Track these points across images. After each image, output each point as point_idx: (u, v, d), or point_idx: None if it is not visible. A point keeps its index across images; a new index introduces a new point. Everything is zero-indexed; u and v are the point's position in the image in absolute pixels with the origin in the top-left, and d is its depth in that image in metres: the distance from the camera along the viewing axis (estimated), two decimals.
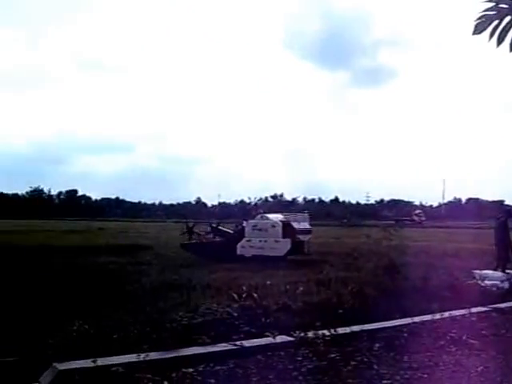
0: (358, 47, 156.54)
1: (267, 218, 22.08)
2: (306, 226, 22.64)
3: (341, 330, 7.19)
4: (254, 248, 21.16)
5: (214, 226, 24.31)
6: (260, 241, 21.17)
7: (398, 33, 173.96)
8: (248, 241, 21.41)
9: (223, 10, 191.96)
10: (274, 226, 21.14)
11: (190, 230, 24.08)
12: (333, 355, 6.29)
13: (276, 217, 22.62)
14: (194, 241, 23.37)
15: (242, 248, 21.35)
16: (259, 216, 22.88)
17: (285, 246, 20.65)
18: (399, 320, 8.23)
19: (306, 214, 24.07)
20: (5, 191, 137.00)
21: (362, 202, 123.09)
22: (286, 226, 21.12)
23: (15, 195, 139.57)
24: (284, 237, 20.82)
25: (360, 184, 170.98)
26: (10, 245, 26.26)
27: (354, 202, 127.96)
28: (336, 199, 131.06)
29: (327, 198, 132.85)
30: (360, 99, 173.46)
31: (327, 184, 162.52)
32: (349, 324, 7.59)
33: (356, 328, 7.54)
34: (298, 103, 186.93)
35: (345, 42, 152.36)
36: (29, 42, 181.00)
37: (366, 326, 7.77)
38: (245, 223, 22.58)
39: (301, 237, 21.53)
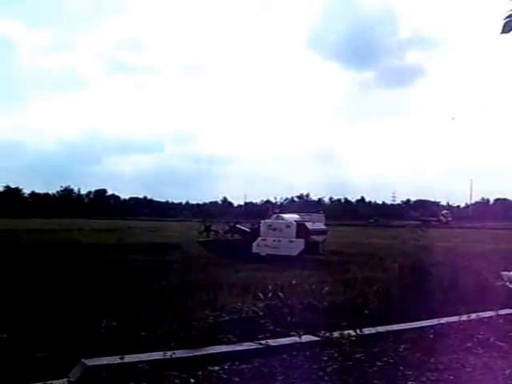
0: (384, 46, 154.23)
1: (282, 218, 22.39)
2: (320, 226, 22.76)
3: (366, 331, 7.16)
4: (268, 247, 21.41)
5: (232, 224, 24.60)
6: (274, 240, 21.39)
7: (425, 31, 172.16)
8: (263, 240, 21.65)
9: (247, 11, 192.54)
10: (288, 226, 21.42)
11: (207, 229, 24.37)
12: (358, 355, 6.28)
13: (291, 217, 22.89)
14: (210, 239, 23.62)
15: (257, 247, 21.59)
16: (274, 216, 23.19)
17: (298, 245, 20.81)
18: (425, 321, 8.15)
19: (322, 215, 24.44)
20: (37, 190, 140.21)
21: (388, 202, 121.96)
22: (300, 226, 21.28)
23: (46, 194, 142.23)
24: (298, 237, 21.09)
25: (386, 184, 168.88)
26: (42, 243, 26.90)
27: (379, 202, 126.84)
28: (362, 199, 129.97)
29: (353, 198, 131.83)
30: (386, 99, 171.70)
31: (353, 184, 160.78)
32: (374, 324, 7.55)
33: (382, 329, 7.50)
34: (324, 103, 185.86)
35: (370, 41, 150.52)
36: (61, 44, 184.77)
37: (391, 326, 7.72)
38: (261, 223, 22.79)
39: (315, 237, 21.64)
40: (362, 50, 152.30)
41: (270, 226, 22.04)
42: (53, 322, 8.00)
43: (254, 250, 21.49)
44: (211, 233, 24.25)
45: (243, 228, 24.27)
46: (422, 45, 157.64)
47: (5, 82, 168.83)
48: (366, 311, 8.40)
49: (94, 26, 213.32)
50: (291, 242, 21.01)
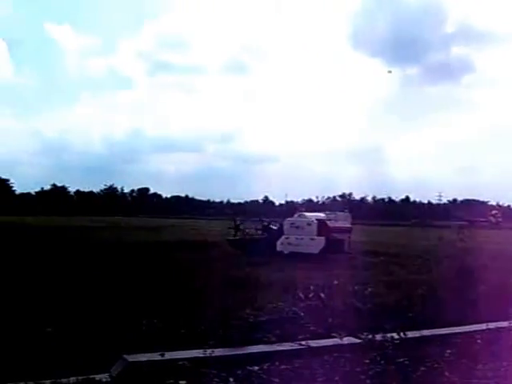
0: (430, 41, 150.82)
1: (304, 217, 22.68)
2: (345, 224, 22.77)
3: (410, 334, 6.95)
4: (291, 245, 21.71)
5: (266, 224, 24.87)
6: (297, 238, 21.68)
7: (472, 25, 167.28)
8: (286, 238, 21.94)
9: (290, 9, 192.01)
10: (309, 224, 21.68)
11: (235, 227, 24.87)
12: (401, 359, 6.08)
13: (314, 215, 23.04)
14: (237, 237, 24.07)
15: (281, 245, 21.95)
16: (297, 214, 23.46)
17: (319, 243, 21.07)
18: (473, 326, 7.87)
19: (347, 213, 24.34)
20: (81, 189, 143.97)
21: (434, 201, 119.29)
22: (321, 224, 21.54)
23: (91, 193, 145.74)
24: (319, 234, 21.27)
25: (432, 183, 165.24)
26: (87, 241, 27.56)
27: (425, 201, 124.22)
28: (406, 199, 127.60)
29: (397, 197, 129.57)
30: (432, 95, 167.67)
31: (398, 183, 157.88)
32: (419, 328, 7.34)
33: (427, 332, 7.29)
34: (368, 101, 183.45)
35: (415, 36, 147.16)
36: (106, 47, 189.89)
37: (437, 330, 7.50)
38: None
39: (337, 235, 21.71)
40: (407, 45, 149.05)
41: (292, 224, 22.39)
42: (97, 318, 8.14)
43: (278, 248, 21.80)
44: (239, 231, 24.74)
45: (269, 226, 24.52)
46: (470, 39, 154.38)
47: (53, 84, 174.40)
48: (411, 314, 8.18)
49: (138, 27, 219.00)
50: (312, 239, 21.35)
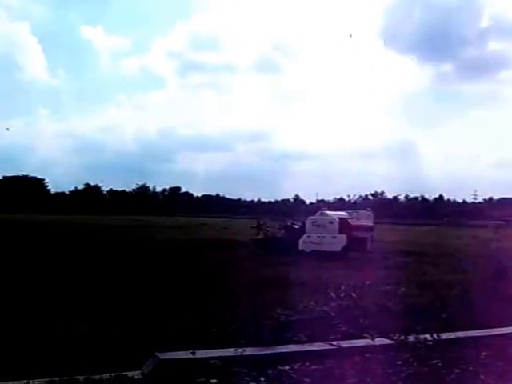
0: (464, 37, 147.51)
1: (326, 215, 22.81)
2: (367, 223, 22.70)
3: (444, 336, 6.83)
4: (313, 243, 21.69)
5: (288, 223, 24.99)
6: (318, 236, 21.69)
7: (508, 20, 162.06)
8: (308, 236, 21.97)
9: (322, 7, 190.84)
10: (331, 222, 21.73)
11: (257, 226, 24.98)
12: (435, 361, 5.98)
13: (336, 213, 23.08)
14: (260, 237, 24.10)
15: (303, 243, 21.96)
16: (319, 212, 23.53)
17: (341, 241, 21.10)
18: (510, 328, 7.68)
19: (370, 212, 24.10)
20: (114, 188, 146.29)
21: (469, 200, 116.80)
22: (343, 221, 21.60)
23: (123, 192, 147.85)
24: (340, 232, 21.28)
25: (467, 181, 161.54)
26: (122, 240, 28.04)
27: (459, 200, 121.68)
28: (440, 197, 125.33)
29: (431, 196, 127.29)
30: (467, 92, 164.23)
31: (431, 181, 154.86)
32: (453, 329, 7.20)
33: (461, 334, 7.14)
34: (400, 97, 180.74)
35: (448, 31, 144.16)
36: (138, 47, 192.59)
37: (472, 332, 7.34)
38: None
39: (359, 233, 21.65)
40: (440, 41, 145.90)
41: (314, 222, 22.44)
42: (130, 315, 8.26)
43: (300, 247, 21.85)
44: (261, 231, 24.79)
45: (291, 225, 24.56)
46: (506, 34, 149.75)
47: (87, 85, 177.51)
48: (444, 315, 8.03)
49: (169, 27, 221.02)
50: (334, 237, 21.36)
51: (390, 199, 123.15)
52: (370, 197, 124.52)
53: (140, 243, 25.60)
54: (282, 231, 24.42)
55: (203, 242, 26.99)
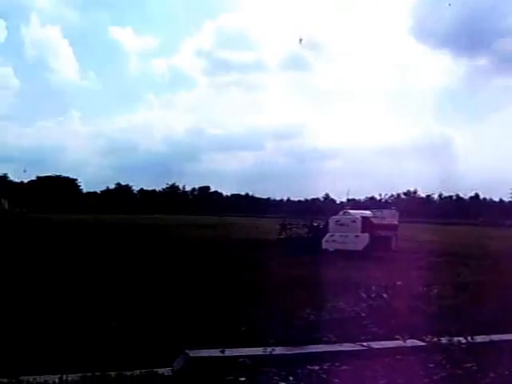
0: (500, 30, 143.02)
1: (349, 214, 22.97)
2: (391, 222, 22.67)
3: (479, 339, 6.67)
4: (336, 242, 21.82)
5: (313, 222, 25.14)
6: (341, 235, 21.84)
7: None
8: (331, 235, 22.17)
9: (351, 3, 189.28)
10: (353, 221, 21.83)
11: (282, 226, 25.28)
12: (469, 365, 5.83)
13: (359, 212, 23.24)
14: (283, 236, 24.46)
15: (326, 242, 22.11)
16: (342, 212, 23.74)
17: (363, 240, 21.15)
18: None
19: (394, 211, 24.24)
20: (145, 187, 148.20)
21: (507, 199, 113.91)
22: (365, 220, 21.66)
23: (153, 191, 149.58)
24: (363, 231, 21.35)
25: (504, 179, 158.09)
26: (153, 238, 28.40)
27: (496, 199, 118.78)
28: (476, 196, 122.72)
29: (466, 194, 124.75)
30: (503, 86, 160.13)
31: (466, 180, 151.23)
32: (488, 332, 7.02)
33: (496, 337, 6.95)
34: (433, 93, 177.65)
35: (484, 25, 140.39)
36: (167, 47, 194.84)
37: (508, 335, 7.14)
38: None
39: (382, 232, 21.62)
40: (475, 35, 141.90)
41: (337, 221, 22.55)
42: (161, 312, 8.33)
43: (324, 246, 21.93)
44: (285, 230, 25.04)
45: (316, 225, 24.71)
46: None
47: (117, 85, 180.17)
48: (479, 317, 7.85)
49: (197, 27, 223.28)
50: (357, 236, 21.41)
51: (423, 198, 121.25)
52: (403, 195, 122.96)
53: (169, 242, 25.88)
54: (306, 230, 24.44)
55: (232, 241, 27.09)
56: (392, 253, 21.06)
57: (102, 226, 42.60)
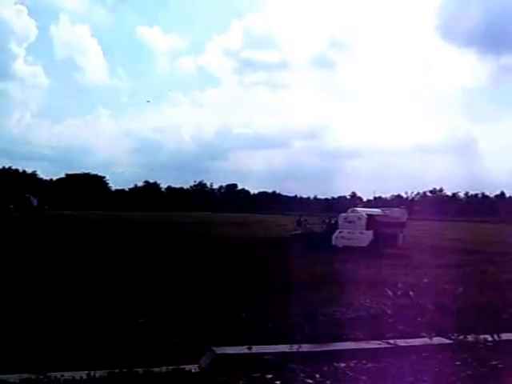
0: None
1: (356, 211, 23.96)
2: (398, 220, 23.42)
3: (505, 337, 6.61)
4: (344, 239, 22.95)
5: (327, 220, 26.15)
6: (349, 232, 22.88)
7: None
8: (340, 232, 23.28)
9: (377, 2, 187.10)
10: (359, 219, 22.89)
11: (298, 223, 26.87)
12: (495, 362, 5.79)
13: (365, 210, 24.36)
14: (298, 232, 25.58)
15: (336, 239, 23.09)
16: (350, 209, 24.77)
17: (368, 236, 22.01)
18: None
19: (403, 210, 25.20)
20: (172, 185, 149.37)
21: None
22: (370, 218, 22.53)
23: (181, 189, 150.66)
24: (368, 228, 22.15)
25: None
26: (179, 235, 28.69)
27: None
28: (502, 194, 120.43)
29: (492, 193, 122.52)
30: None
31: (492, 178, 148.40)
32: None
33: None
34: (459, 92, 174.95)
35: (508, 23, 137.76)
36: (194, 47, 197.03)
37: None
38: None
39: (387, 229, 22.32)
40: (501, 33, 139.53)
41: (345, 219, 23.59)
42: (188, 310, 8.46)
43: (334, 242, 22.99)
44: (301, 226, 26.47)
45: (329, 221, 25.68)
46: None
47: (145, 84, 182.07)
48: (505, 315, 7.76)
49: (225, 27, 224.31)
50: (362, 233, 22.34)
51: (449, 196, 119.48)
52: (429, 194, 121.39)
53: (195, 239, 26.15)
54: (323, 227, 25.55)
55: (256, 238, 27.47)
56: (397, 250, 21.57)
57: (125, 223, 43.29)
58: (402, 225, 23.37)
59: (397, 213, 24.14)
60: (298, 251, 19.33)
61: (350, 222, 23.29)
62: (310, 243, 21.63)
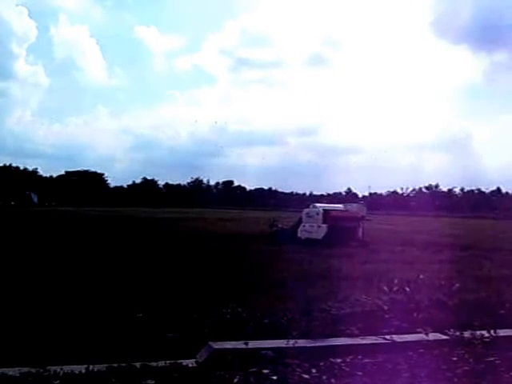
0: None
1: (315, 207, 25.96)
2: (355, 214, 25.11)
3: (502, 333, 6.62)
4: (306, 232, 24.97)
5: (299, 217, 27.46)
6: (310, 226, 24.91)
7: None
8: (303, 226, 25.38)
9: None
10: (317, 214, 24.86)
11: (273, 219, 28.78)
12: (492, 358, 5.81)
13: (324, 206, 26.39)
14: (274, 228, 27.58)
15: (300, 232, 25.25)
16: (312, 205, 26.69)
17: (323, 230, 24.02)
18: None
19: (361, 205, 27.23)
20: (170, 182, 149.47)
21: None
22: (326, 213, 24.62)
23: (178, 185, 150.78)
24: (324, 222, 24.21)
25: None
26: (173, 231, 28.76)
27: None
28: (498, 190, 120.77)
29: (487, 189, 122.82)
30: None
31: (488, 174, 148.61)
32: (511, 326, 6.97)
33: None
34: (453, 88, 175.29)
35: (503, 20, 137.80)
36: (190, 46, 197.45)
37: None
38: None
39: (343, 223, 24.06)
40: (494, 30, 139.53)
41: (307, 214, 25.60)
42: (185, 305, 8.45)
43: (298, 235, 24.94)
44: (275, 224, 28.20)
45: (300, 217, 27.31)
46: None
47: (142, 83, 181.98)
48: (502, 311, 7.78)
49: (220, 26, 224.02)
50: (319, 227, 24.35)
51: (444, 192, 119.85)
52: (424, 189, 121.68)
53: (189, 235, 26.41)
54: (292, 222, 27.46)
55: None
56: (356, 242, 23.13)
57: (119, 219, 43.53)
58: (359, 219, 25.09)
59: (355, 208, 26.10)
60: (268, 245, 21.04)
61: (310, 216, 25.32)
62: (282, 237, 24.13)
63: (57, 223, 36.01)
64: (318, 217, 24.70)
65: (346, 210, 25.83)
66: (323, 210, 25.03)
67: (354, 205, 27.11)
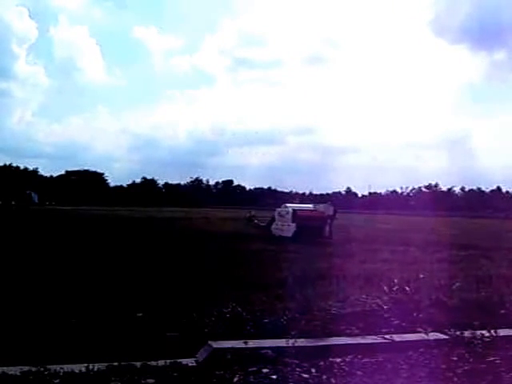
0: None
1: (285, 207, 27.89)
2: (322, 214, 26.60)
3: (502, 332, 6.61)
4: (278, 229, 27.05)
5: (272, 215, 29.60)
6: (282, 224, 26.93)
7: None
8: (276, 224, 27.67)
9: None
10: (287, 213, 26.77)
11: (249, 218, 32.04)
12: (492, 358, 5.80)
13: (293, 206, 28.43)
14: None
15: (273, 230, 27.52)
16: (283, 205, 28.48)
17: (292, 228, 25.77)
18: None
19: (329, 205, 28.16)
20: (169, 181, 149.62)
21: None
22: (294, 212, 26.41)
23: (178, 185, 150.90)
24: (292, 221, 25.93)
25: None
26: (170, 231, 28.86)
27: None
28: (498, 189, 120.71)
29: (488, 188, 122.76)
30: None
31: (488, 173, 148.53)
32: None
33: None
34: (452, 88, 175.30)
35: (502, 20, 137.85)
36: (189, 46, 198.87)
37: None
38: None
39: (310, 222, 25.55)
40: (493, 29, 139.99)
41: (279, 213, 27.80)
42: (183, 304, 8.43)
43: (272, 233, 27.15)
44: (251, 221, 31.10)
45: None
46: None
47: (142, 83, 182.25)
48: (502, 311, 7.77)
49: (219, 26, 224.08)
50: (289, 225, 26.15)
51: (444, 191, 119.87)
52: (424, 189, 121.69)
53: (189, 235, 26.51)
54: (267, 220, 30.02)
55: (252, 234, 28.30)
56: (322, 239, 24.68)
57: (118, 218, 43.67)
58: (326, 218, 26.53)
59: (322, 208, 27.62)
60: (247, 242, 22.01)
61: (281, 215, 27.37)
62: (260, 234, 27.16)
63: (56, 223, 35.99)
64: (288, 216, 26.56)
65: (315, 210, 27.66)
66: (292, 209, 26.91)
67: (322, 205, 28.68)
